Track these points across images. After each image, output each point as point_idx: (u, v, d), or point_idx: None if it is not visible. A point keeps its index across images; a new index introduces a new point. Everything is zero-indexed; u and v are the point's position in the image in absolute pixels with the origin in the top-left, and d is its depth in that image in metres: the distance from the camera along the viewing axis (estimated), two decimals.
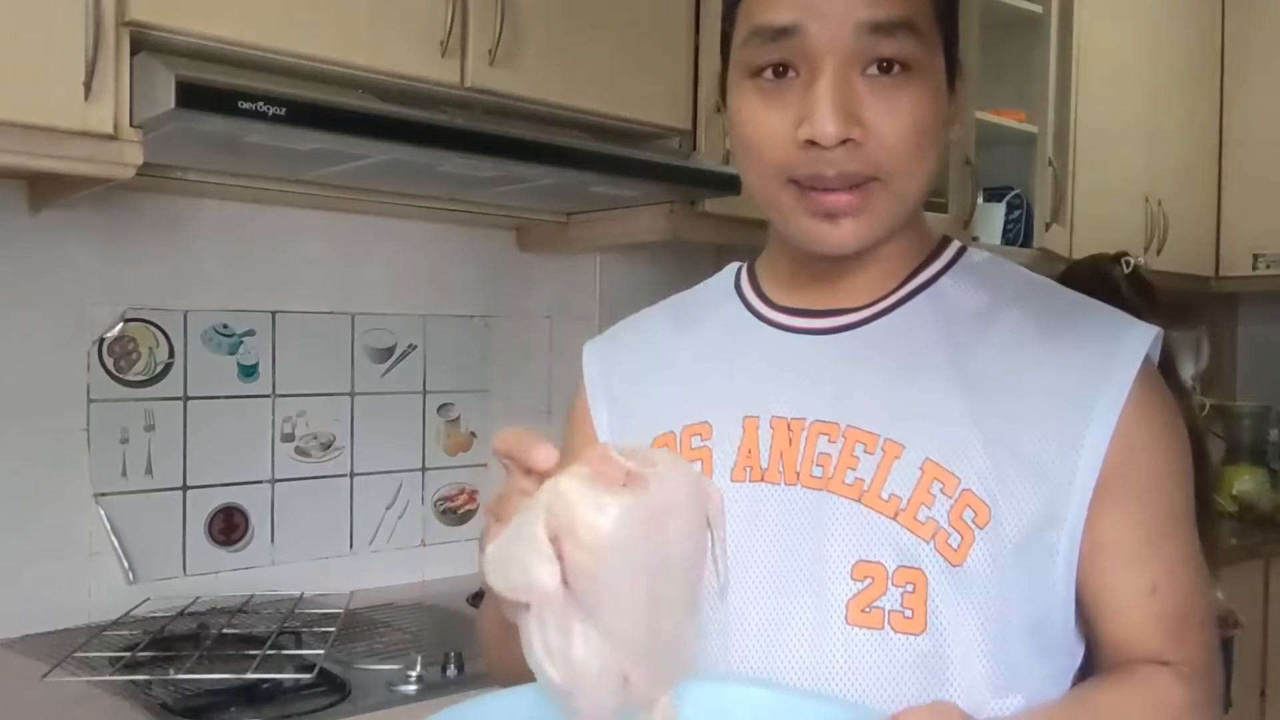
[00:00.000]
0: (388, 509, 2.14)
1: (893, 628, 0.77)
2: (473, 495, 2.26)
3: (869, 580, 0.77)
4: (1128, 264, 2.40)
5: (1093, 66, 2.97)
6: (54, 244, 1.75)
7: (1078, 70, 2.91)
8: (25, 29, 1.33)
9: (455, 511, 2.24)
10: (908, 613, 0.76)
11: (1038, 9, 2.79)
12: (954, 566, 0.76)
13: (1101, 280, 2.40)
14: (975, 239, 2.69)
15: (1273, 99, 3.46)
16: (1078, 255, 2.70)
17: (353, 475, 2.09)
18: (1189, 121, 3.43)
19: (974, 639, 0.76)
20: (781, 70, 0.78)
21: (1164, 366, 2.80)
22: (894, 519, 0.77)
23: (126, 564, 1.82)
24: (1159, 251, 3.22)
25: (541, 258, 2.34)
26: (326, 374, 2.05)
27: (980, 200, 2.72)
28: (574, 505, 0.56)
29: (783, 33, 0.77)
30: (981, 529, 0.76)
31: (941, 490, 0.77)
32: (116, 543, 1.81)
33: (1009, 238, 2.85)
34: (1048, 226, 2.82)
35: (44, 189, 1.67)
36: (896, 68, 0.77)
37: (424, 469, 2.19)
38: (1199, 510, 2.70)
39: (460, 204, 2.09)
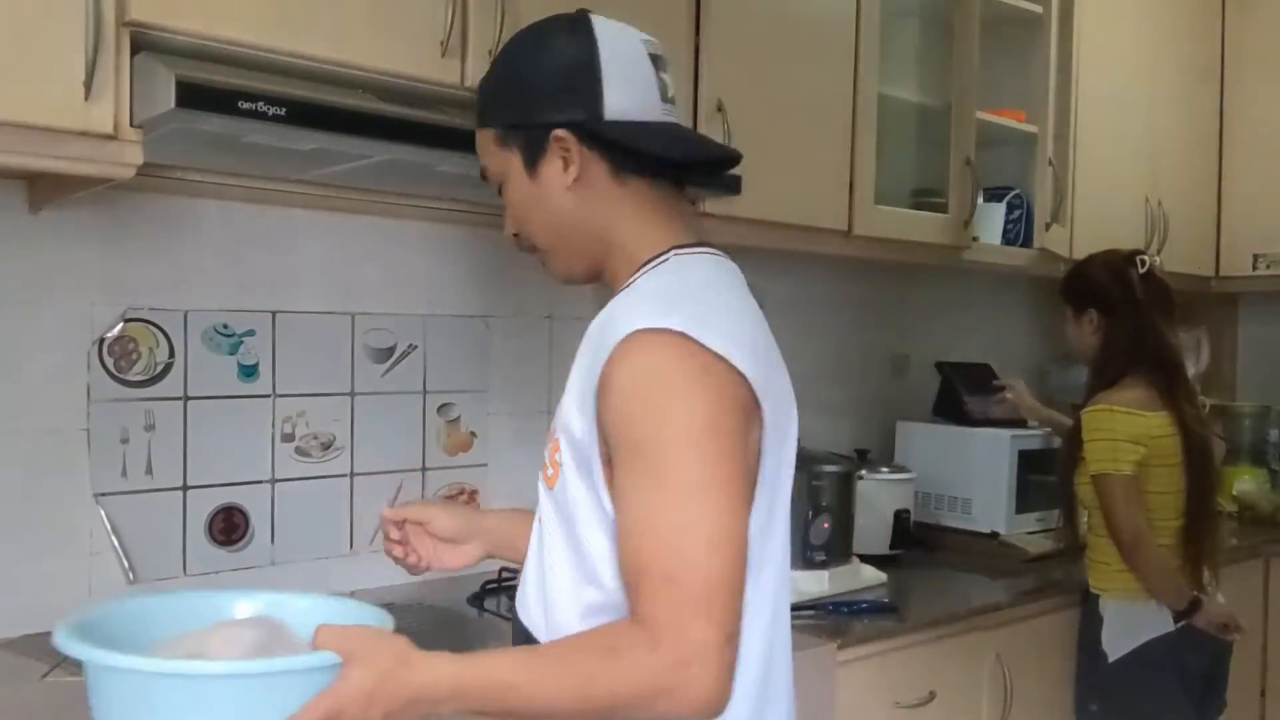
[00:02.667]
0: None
1: (539, 520, 1.14)
2: (473, 495, 2.26)
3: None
4: (1142, 263, 2.40)
5: (1093, 66, 2.97)
6: (54, 244, 1.75)
7: (1078, 70, 2.91)
8: (25, 29, 1.33)
9: None
10: (541, 512, 1.14)
11: (1038, 9, 2.80)
12: (550, 489, 1.12)
13: (1116, 278, 2.39)
14: (975, 239, 2.69)
15: (1273, 99, 3.46)
16: (1078, 255, 2.71)
17: (353, 475, 2.09)
18: (1189, 121, 3.43)
19: (560, 532, 1.10)
20: None
21: (1174, 369, 2.78)
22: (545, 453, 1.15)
23: (126, 564, 1.82)
24: (1159, 251, 3.21)
25: None
26: (326, 374, 2.05)
27: (980, 200, 2.72)
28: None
29: None
30: (562, 467, 1.10)
31: (552, 442, 1.13)
32: (116, 543, 1.81)
33: (1009, 238, 2.85)
34: (1048, 226, 2.82)
35: (44, 189, 1.67)
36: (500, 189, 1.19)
37: (424, 469, 2.19)
38: (1200, 510, 2.68)
39: (460, 204, 2.09)
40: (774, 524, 1.11)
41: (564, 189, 1.14)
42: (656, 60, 1.15)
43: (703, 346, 1.00)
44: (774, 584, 1.10)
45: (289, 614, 1.07)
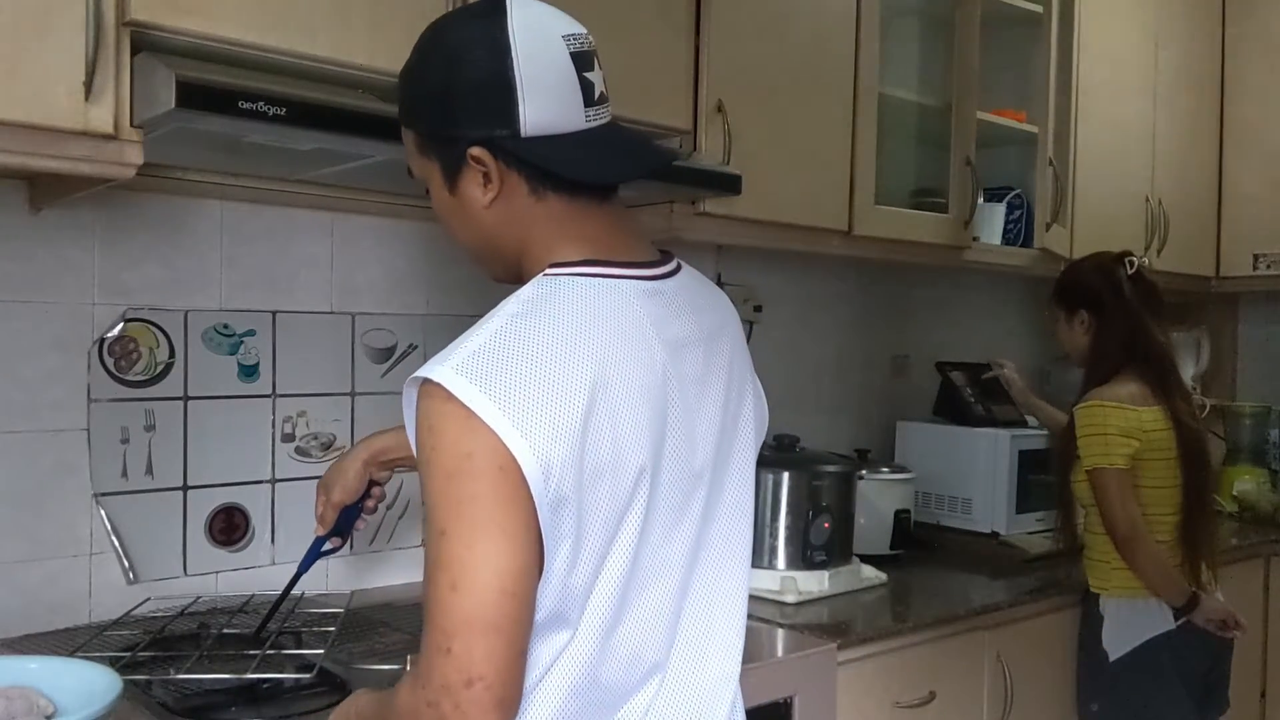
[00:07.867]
0: (388, 509, 2.13)
1: None
2: None
3: None
4: (1131, 264, 2.40)
5: (1093, 66, 2.97)
6: (54, 244, 1.75)
7: (1078, 70, 2.91)
8: (25, 29, 1.33)
9: None
10: None
11: (1038, 9, 2.79)
12: None
13: (1105, 279, 2.40)
14: (975, 239, 2.69)
15: (1273, 98, 3.46)
16: (1078, 255, 2.71)
17: None
18: (1189, 121, 3.43)
19: None
20: None
21: (1165, 365, 2.78)
22: None
23: (126, 564, 1.82)
24: (1159, 251, 3.22)
25: None
26: (326, 374, 2.05)
27: (980, 200, 2.72)
28: None
29: None
30: None
31: None
32: (116, 543, 1.81)
33: (1009, 238, 2.85)
34: (1048, 226, 2.82)
35: (44, 189, 1.67)
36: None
37: None
38: (1196, 505, 2.68)
39: None
40: (595, 574, 1.03)
41: (483, 207, 1.12)
42: (580, 59, 1.08)
43: (452, 396, 0.96)
44: (598, 643, 1.04)
45: (21, 677, 1.26)
